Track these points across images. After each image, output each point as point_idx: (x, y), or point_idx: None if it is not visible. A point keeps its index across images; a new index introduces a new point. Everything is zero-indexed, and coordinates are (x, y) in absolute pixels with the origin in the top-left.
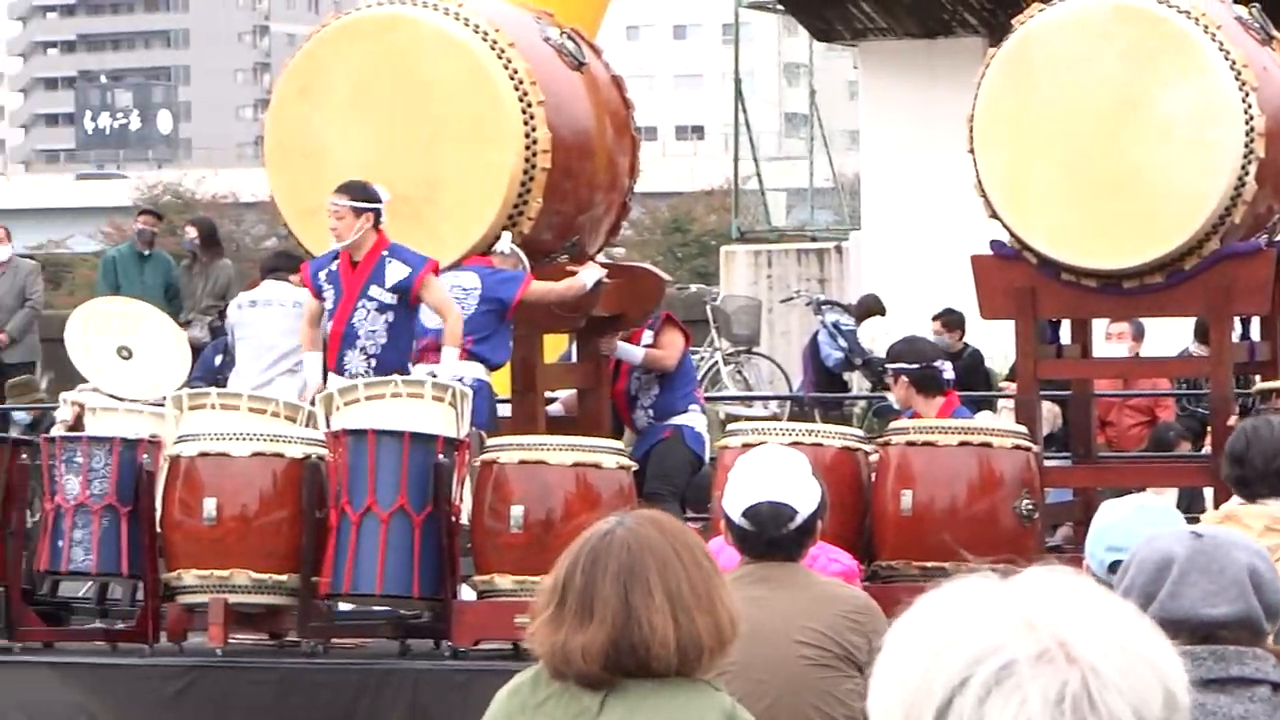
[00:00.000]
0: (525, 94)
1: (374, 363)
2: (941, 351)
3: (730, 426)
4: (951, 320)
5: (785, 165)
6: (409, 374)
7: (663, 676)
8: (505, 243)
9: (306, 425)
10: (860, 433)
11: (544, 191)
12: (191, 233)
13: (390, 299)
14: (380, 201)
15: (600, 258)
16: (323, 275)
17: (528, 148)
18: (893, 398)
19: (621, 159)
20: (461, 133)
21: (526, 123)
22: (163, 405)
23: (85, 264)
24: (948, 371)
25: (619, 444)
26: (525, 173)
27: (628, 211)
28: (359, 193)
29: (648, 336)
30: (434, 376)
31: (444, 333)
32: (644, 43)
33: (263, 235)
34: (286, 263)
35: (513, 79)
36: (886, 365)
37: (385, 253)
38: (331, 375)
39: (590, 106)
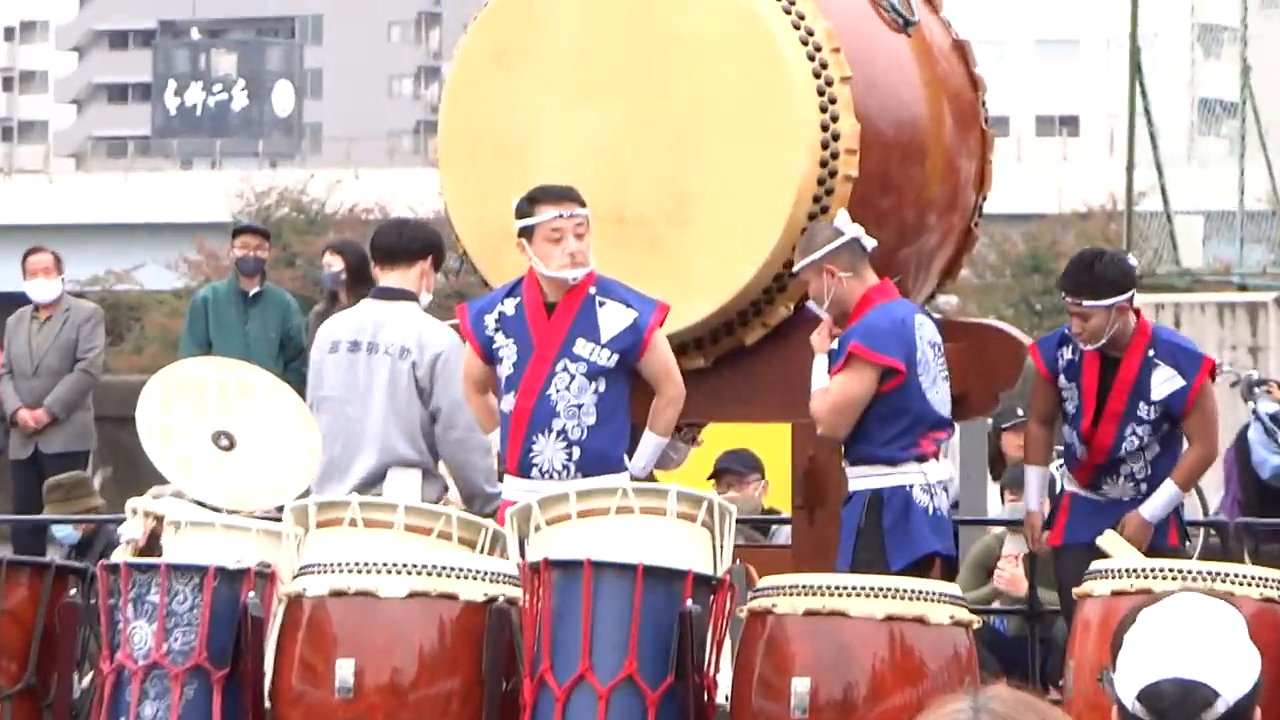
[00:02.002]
0: (824, 66)
1: (578, 455)
2: None
3: (1095, 565)
4: None
5: (1201, 176)
6: (626, 472)
7: None
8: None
9: (490, 552)
10: None
11: (849, 210)
12: (334, 264)
13: (606, 360)
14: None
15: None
16: (491, 322)
17: (825, 146)
18: None
19: (966, 164)
20: (728, 122)
21: (824, 109)
22: (279, 520)
23: (162, 307)
24: None
25: (952, 587)
26: (821, 183)
27: (973, 242)
28: (583, 199)
29: None
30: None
31: (655, 411)
32: None
33: None
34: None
35: (805, 44)
36: None
37: (593, 290)
38: (512, 484)
39: (921, 86)
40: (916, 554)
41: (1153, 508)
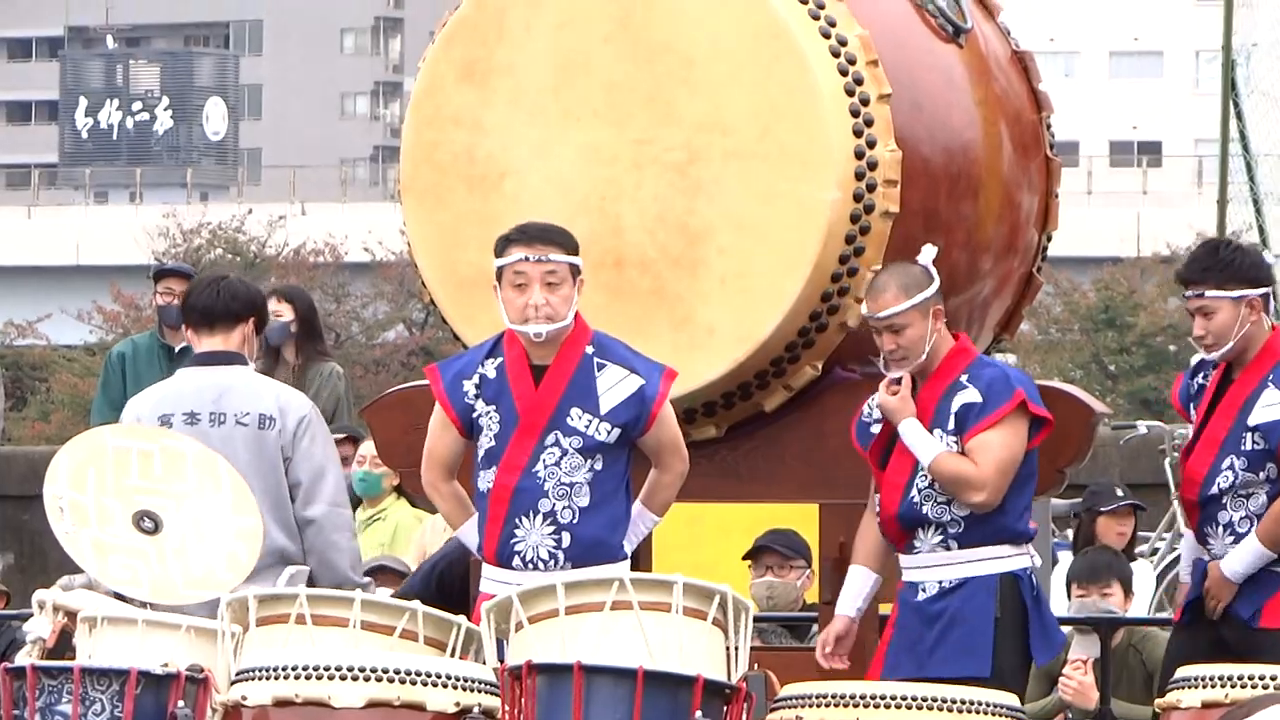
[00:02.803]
0: (858, 81)
1: (568, 542)
2: None
3: (1181, 673)
4: None
5: None
6: (625, 561)
7: None
8: (928, 256)
9: (462, 655)
10: None
11: (888, 253)
12: (284, 312)
13: (605, 435)
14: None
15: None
16: (471, 388)
17: (860, 176)
18: None
19: (1027, 198)
20: (744, 148)
21: (859, 132)
22: (213, 616)
23: (72, 365)
24: None
25: (1009, 697)
26: (855, 220)
27: (1035, 290)
28: (569, 241)
29: None
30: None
31: (654, 488)
32: None
33: (384, 320)
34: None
35: (837, 55)
36: None
37: (590, 351)
38: (490, 574)
39: (974, 106)
40: (1058, 647)
41: (1233, 563)
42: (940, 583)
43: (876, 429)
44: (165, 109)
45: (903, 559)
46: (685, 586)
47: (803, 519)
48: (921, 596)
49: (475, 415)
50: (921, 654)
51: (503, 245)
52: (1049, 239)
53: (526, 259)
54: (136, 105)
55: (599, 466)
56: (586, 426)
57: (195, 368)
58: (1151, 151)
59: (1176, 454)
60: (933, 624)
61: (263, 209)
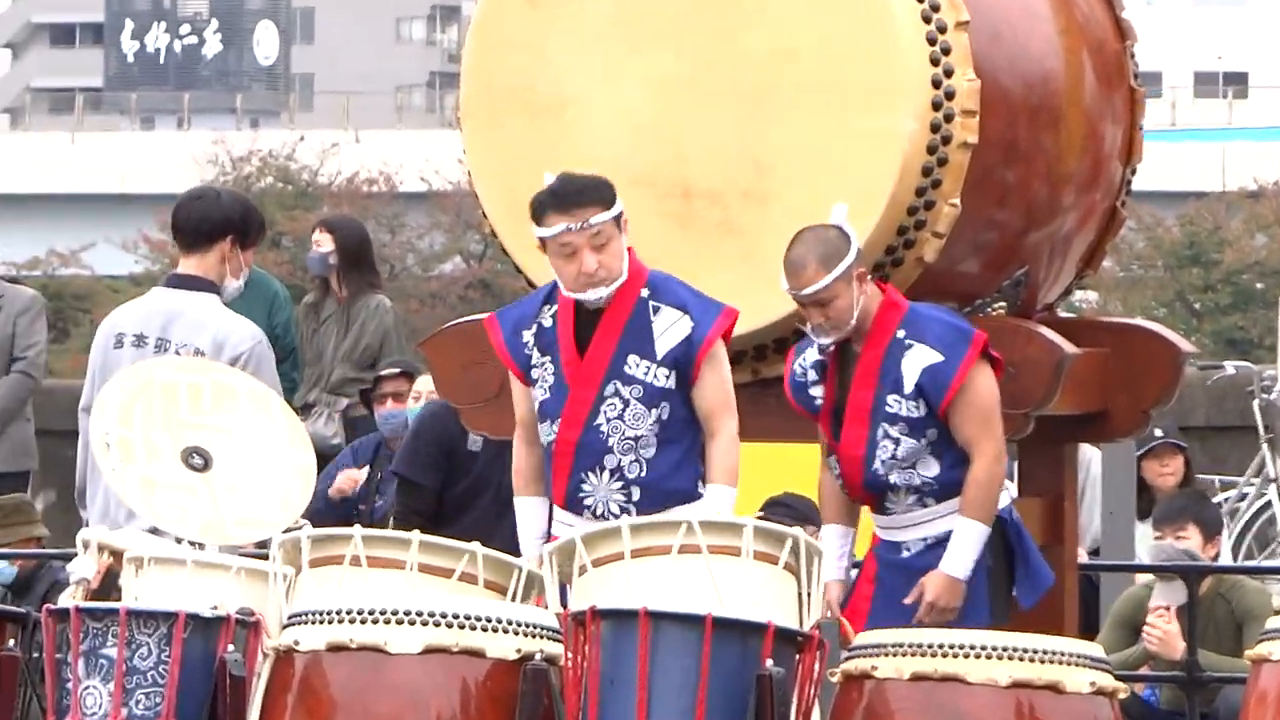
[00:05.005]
0: (934, 9)
1: (639, 495)
2: None
3: (1272, 623)
4: None
5: None
6: (701, 501)
7: None
8: (840, 215)
9: (524, 599)
10: None
11: (966, 186)
12: (324, 243)
13: (665, 379)
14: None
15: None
16: (530, 338)
17: (937, 106)
18: None
19: (1110, 129)
20: (817, 78)
21: (935, 60)
22: (265, 557)
23: (117, 296)
24: None
25: (1093, 647)
26: (932, 151)
27: (1118, 225)
28: (607, 192)
29: None
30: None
31: (716, 459)
32: None
33: (441, 252)
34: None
35: None
36: None
37: (645, 293)
38: (560, 516)
39: (1055, 34)
40: (1042, 588)
41: None
42: (924, 539)
43: (818, 393)
44: (214, 32)
45: (876, 518)
46: (756, 530)
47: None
48: (905, 554)
49: (532, 366)
50: (912, 611)
51: (540, 211)
52: (1133, 172)
53: (569, 229)
54: (185, 28)
55: (664, 415)
56: (646, 373)
57: (164, 289)
58: (1237, 83)
59: (1266, 395)
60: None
61: (315, 136)
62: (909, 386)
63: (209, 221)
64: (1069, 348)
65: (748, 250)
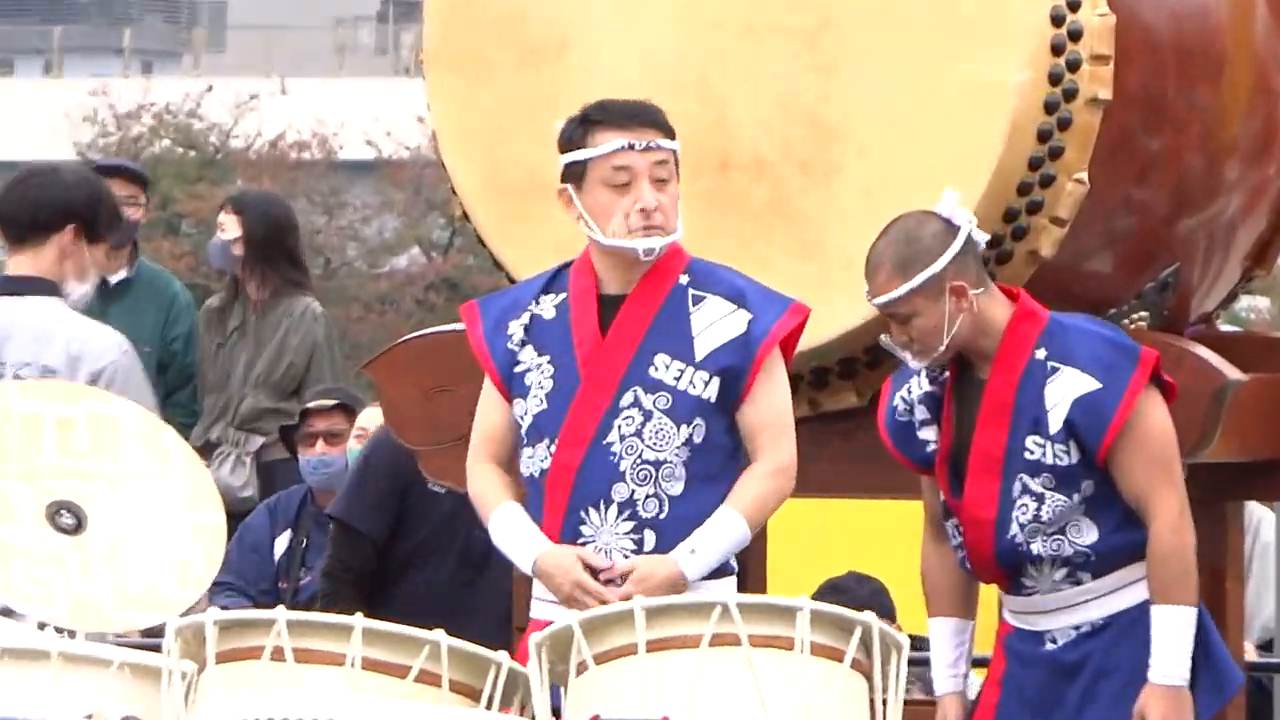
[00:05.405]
0: None
1: (654, 543)
2: None
3: None
4: None
5: None
6: (731, 577)
7: None
8: (949, 203)
9: (503, 707)
10: None
11: (1096, 156)
12: (230, 226)
13: (703, 389)
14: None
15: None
16: (518, 330)
17: (1058, 50)
18: None
19: None
20: (898, 11)
21: None
22: (158, 649)
23: None
24: None
25: None
26: (1050, 109)
27: None
28: (668, 123)
29: None
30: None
31: (749, 483)
32: None
33: (393, 240)
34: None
35: None
36: None
37: (685, 280)
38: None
39: None
40: (1230, 692)
41: None
42: (1076, 628)
43: (930, 435)
44: None
45: (1009, 600)
46: (814, 615)
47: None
48: (1051, 647)
49: (519, 369)
50: (1063, 717)
51: (580, 131)
52: None
53: (630, 146)
54: None
55: (698, 438)
56: (678, 379)
57: None
58: None
59: None
60: (1073, 678)
61: (227, 85)
62: (1055, 424)
63: (45, 207)
64: (1233, 373)
65: (806, 241)
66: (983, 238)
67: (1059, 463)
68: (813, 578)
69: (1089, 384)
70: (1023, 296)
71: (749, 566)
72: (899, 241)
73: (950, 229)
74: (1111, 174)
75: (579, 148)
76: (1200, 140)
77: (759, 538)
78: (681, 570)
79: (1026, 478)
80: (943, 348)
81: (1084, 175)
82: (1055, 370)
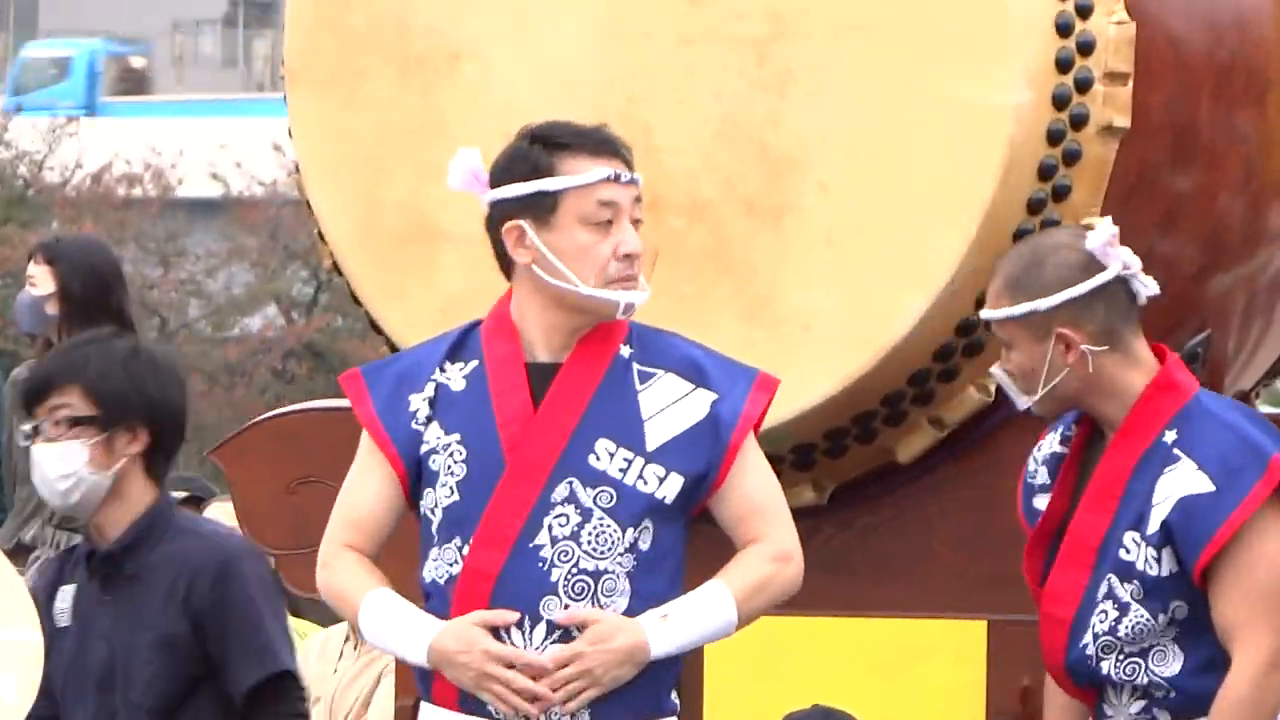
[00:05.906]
0: None
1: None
2: None
3: None
4: None
5: None
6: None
7: None
8: (1100, 236)
9: None
10: None
11: (1111, 196)
12: (41, 280)
13: (656, 486)
14: None
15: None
16: (422, 405)
17: (1064, 66)
18: None
19: None
20: (869, 20)
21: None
22: None
23: None
24: None
25: None
26: (1055, 140)
27: None
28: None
29: None
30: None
31: (742, 558)
32: None
33: (245, 298)
34: None
35: None
36: None
37: (627, 351)
38: (440, 715)
39: None
40: None
41: None
42: None
43: (1043, 506)
44: None
45: None
46: None
47: (960, 641)
48: None
49: (426, 451)
50: None
51: (546, 155)
52: None
53: (616, 178)
54: None
55: (644, 543)
56: (623, 471)
57: None
58: None
59: None
60: None
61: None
62: (1154, 524)
63: None
64: None
65: (753, 297)
66: (1148, 290)
67: (1149, 571)
68: (765, 711)
69: (1202, 484)
70: (1169, 362)
71: (682, 696)
72: (1024, 257)
73: (1088, 267)
74: (1129, 219)
75: (545, 174)
76: (1239, 179)
77: (695, 655)
78: (647, 641)
79: (1115, 580)
80: (1036, 395)
81: (1095, 218)
82: (1177, 460)
